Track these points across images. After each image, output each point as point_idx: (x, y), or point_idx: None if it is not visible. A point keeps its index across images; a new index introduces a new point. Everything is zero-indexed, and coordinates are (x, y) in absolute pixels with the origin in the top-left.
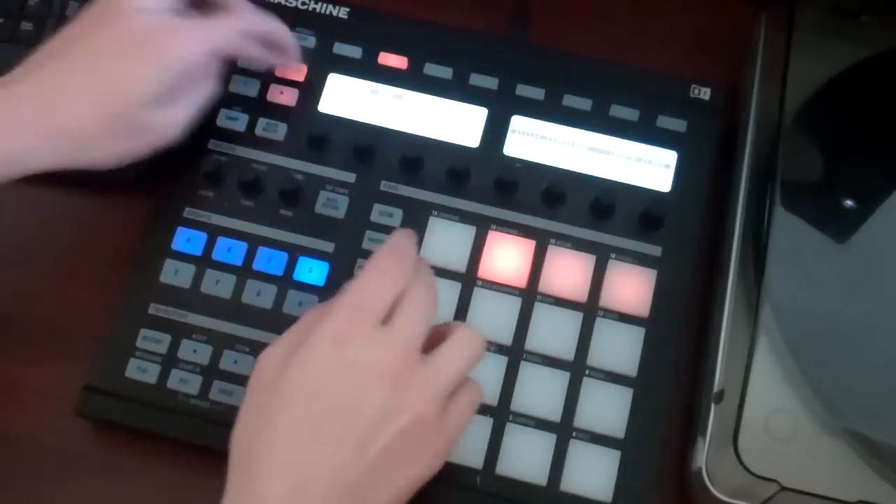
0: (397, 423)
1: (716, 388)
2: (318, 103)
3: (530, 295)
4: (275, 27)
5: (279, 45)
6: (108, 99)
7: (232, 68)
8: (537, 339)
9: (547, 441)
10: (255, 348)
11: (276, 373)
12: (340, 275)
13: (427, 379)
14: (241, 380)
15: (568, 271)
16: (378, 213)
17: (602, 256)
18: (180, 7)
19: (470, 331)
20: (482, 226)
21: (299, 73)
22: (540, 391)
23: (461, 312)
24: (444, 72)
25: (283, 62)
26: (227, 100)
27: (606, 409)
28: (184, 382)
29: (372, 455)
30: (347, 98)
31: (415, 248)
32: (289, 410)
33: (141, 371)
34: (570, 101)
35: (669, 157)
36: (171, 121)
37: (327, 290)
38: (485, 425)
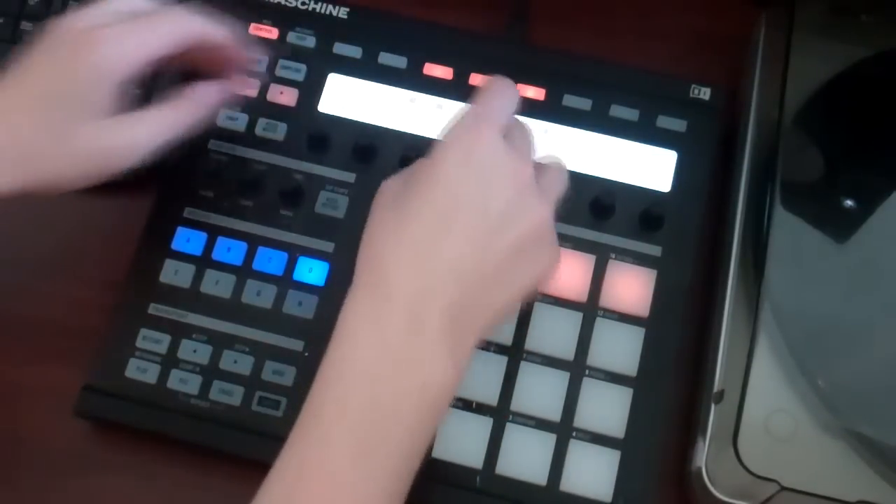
0: (518, 227)
1: (716, 388)
2: (318, 103)
3: None
4: (216, 33)
5: (225, 56)
6: (49, 108)
7: None
8: (537, 339)
9: (547, 441)
10: (255, 348)
11: (402, 185)
12: (340, 275)
13: (545, 189)
14: (241, 380)
15: (568, 271)
16: None
17: (602, 256)
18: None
19: (560, 161)
20: None
21: (251, 88)
22: (540, 391)
23: None
24: (444, 72)
25: (228, 74)
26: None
27: (606, 409)
28: (184, 382)
29: (494, 254)
30: (347, 98)
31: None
32: (419, 204)
33: (141, 371)
34: (570, 101)
35: (669, 157)
36: (129, 141)
37: (327, 290)
38: (485, 425)
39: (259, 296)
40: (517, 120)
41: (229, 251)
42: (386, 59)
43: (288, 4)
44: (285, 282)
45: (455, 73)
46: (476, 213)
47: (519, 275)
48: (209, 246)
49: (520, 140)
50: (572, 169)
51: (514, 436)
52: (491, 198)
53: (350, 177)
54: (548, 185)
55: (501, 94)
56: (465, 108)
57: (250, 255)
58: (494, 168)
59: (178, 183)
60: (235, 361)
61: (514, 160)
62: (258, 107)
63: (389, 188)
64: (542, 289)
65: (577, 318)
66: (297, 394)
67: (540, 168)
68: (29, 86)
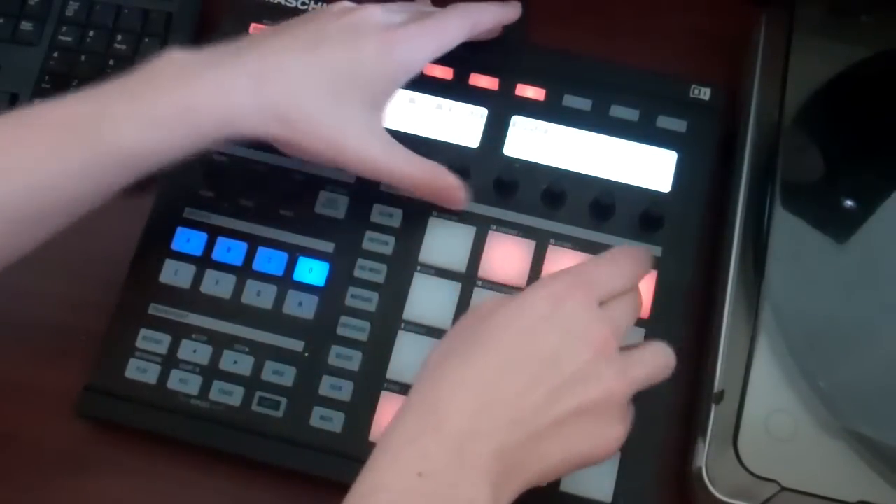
0: (587, 390)
1: (716, 388)
2: None
3: None
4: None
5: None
6: (342, 82)
7: None
8: None
9: None
10: (255, 348)
11: (490, 313)
12: (340, 275)
13: (626, 364)
14: (242, 380)
15: None
16: (378, 213)
17: None
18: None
19: (667, 348)
20: (482, 226)
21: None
22: None
23: (461, 313)
24: (445, 72)
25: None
26: None
27: None
28: (184, 382)
29: (556, 410)
30: None
31: (649, 265)
32: (491, 343)
33: (141, 371)
34: (570, 101)
35: (669, 158)
36: (395, 167)
37: (327, 290)
38: None
39: (259, 296)
40: (629, 293)
41: (229, 251)
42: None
43: (288, 4)
44: (285, 282)
45: (455, 73)
46: (548, 364)
47: (578, 437)
48: (209, 246)
49: (618, 312)
50: (573, 169)
51: None
52: (567, 354)
53: (350, 177)
54: (636, 363)
55: (616, 264)
56: (574, 266)
57: (250, 255)
58: (579, 328)
59: (178, 183)
60: (235, 361)
61: (602, 328)
62: None
63: (483, 307)
64: (598, 461)
65: None
66: (297, 394)
67: (640, 347)
68: (323, 58)
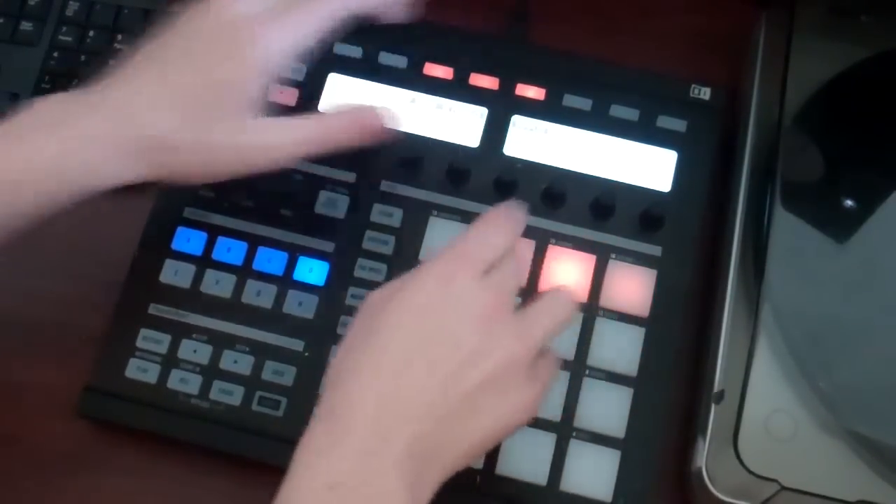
0: (486, 364)
1: (716, 388)
2: (318, 103)
3: (530, 295)
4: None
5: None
6: (195, 101)
7: None
8: None
9: (547, 441)
10: (255, 348)
11: (380, 305)
12: (340, 275)
13: (519, 326)
14: (241, 380)
15: (568, 271)
16: (378, 213)
17: (602, 256)
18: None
19: (562, 294)
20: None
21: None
22: None
23: None
24: (444, 72)
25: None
26: None
27: (606, 409)
28: (184, 382)
29: (462, 388)
30: (347, 98)
31: (524, 218)
32: (388, 335)
33: (141, 371)
34: (570, 101)
35: (669, 157)
36: (267, 143)
37: (327, 290)
38: None
39: (259, 296)
40: (507, 255)
41: (229, 251)
42: (386, 58)
43: None
44: (285, 282)
45: (455, 73)
46: (445, 345)
47: (490, 409)
48: (209, 246)
49: (500, 276)
50: (573, 169)
51: (515, 436)
52: (462, 331)
53: (350, 177)
54: (533, 320)
55: (489, 231)
56: (451, 242)
57: (250, 255)
58: (468, 303)
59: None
60: (235, 361)
61: (490, 296)
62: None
63: (374, 300)
64: (519, 427)
65: (577, 317)
66: (297, 394)
67: (535, 302)
68: (177, 74)
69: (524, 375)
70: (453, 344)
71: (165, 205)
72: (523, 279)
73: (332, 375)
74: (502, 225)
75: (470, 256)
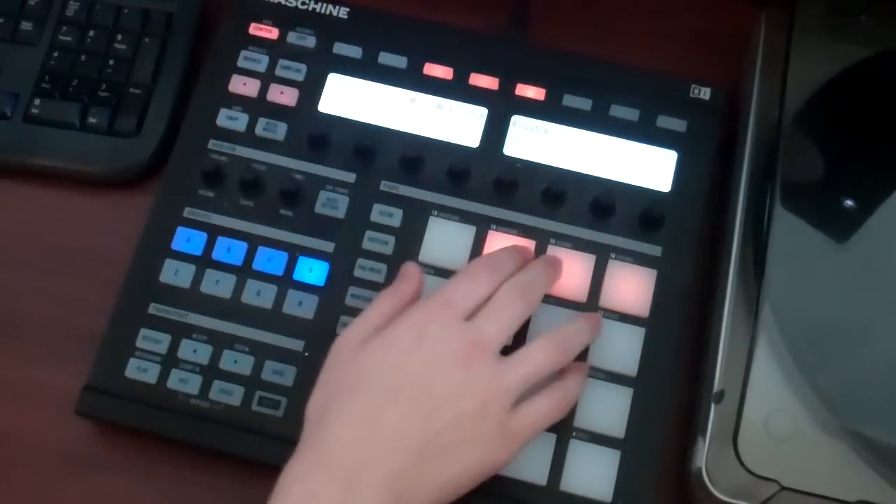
0: (461, 405)
1: (716, 388)
2: (318, 103)
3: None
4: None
5: None
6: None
7: (231, 67)
8: None
9: (547, 441)
10: (255, 348)
11: (356, 349)
12: (340, 275)
13: (498, 373)
14: (241, 380)
15: (568, 271)
16: (378, 213)
17: (602, 256)
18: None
19: (553, 340)
20: (482, 226)
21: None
22: None
23: None
24: (444, 72)
25: None
26: (227, 99)
27: (606, 409)
28: (184, 382)
29: (435, 429)
30: (347, 98)
31: (513, 266)
32: (366, 381)
33: (141, 371)
34: (570, 101)
35: (669, 157)
36: None
37: (327, 290)
38: None
39: (259, 296)
40: (491, 301)
41: (229, 251)
42: (386, 59)
43: (288, 4)
44: (285, 282)
45: (455, 73)
46: (421, 388)
47: (462, 452)
48: (209, 246)
49: (482, 320)
50: (573, 169)
51: None
52: (437, 375)
53: (350, 177)
54: (514, 366)
55: (472, 278)
56: (434, 291)
57: (250, 255)
58: (444, 348)
59: (178, 183)
60: (235, 361)
61: (466, 341)
62: (258, 107)
63: (347, 344)
64: (495, 471)
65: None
66: (297, 394)
67: (526, 347)
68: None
69: (494, 420)
70: (429, 387)
71: (165, 205)
72: (517, 322)
73: (312, 418)
74: (482, 275)
75: (447, 302)
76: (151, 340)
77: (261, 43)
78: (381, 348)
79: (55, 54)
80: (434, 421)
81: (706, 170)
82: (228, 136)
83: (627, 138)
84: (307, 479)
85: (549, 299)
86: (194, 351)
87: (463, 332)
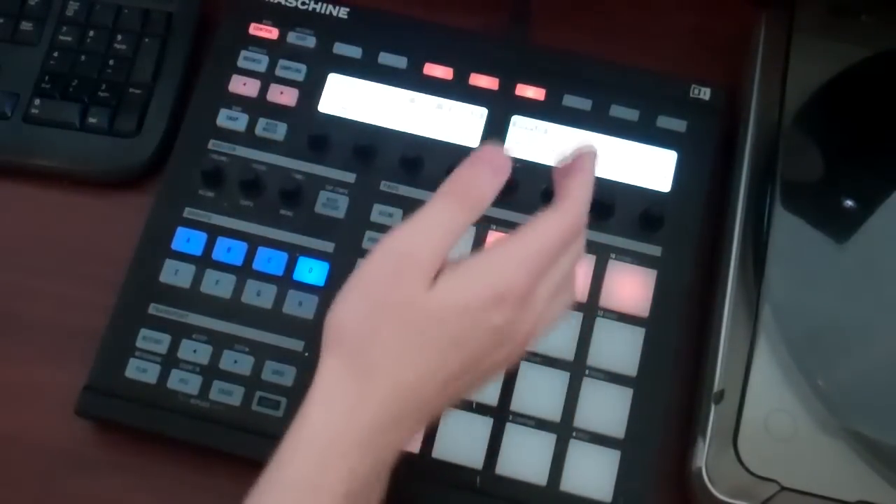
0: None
1: (716, 388)
2: (318, 103)
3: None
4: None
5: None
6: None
7: (231, 67)
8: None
9: (547, 441)
10: (255, 348)
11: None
12: (340, 275)
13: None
14: (241, 380)
15: None
16: (378, 213)
17: (602, 256)
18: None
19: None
20: (482, 226)
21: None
22: (540, 391)
23: None
24: (444, 72)
25: None
26: (227, 100)
27: (606, 409)
28: (184, 382)
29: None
30: (347, 98)
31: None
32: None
33: (141, 371)
34: (570, 101)
35: (669, 157)
36: None
37: (327, 290)
38: (485, 425)
39: (259, 296)
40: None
41: (229, 251)
42: (386, 59)
43: (288, 4)
44: (285, 282)
45: (455, 73)
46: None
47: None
48: (209, 246)
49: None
50: None
51: (514, 436)
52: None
53: (350, 177)
54: (535, 229)
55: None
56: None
57: (250, 255)
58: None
59: (178, 183)
60: (235, 361)
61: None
62: (258, 107)
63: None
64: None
65: (577, 318)
66: (298, 394)
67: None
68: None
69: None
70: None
71: (165, 205)
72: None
73: (350, 340)
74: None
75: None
76: (151, 340)
77: (261, 43)
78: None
79: (55, 54)
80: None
81: (706, 170)
82: (228, 136)
83: (627, 138)
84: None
85: None
86: (194, 351)
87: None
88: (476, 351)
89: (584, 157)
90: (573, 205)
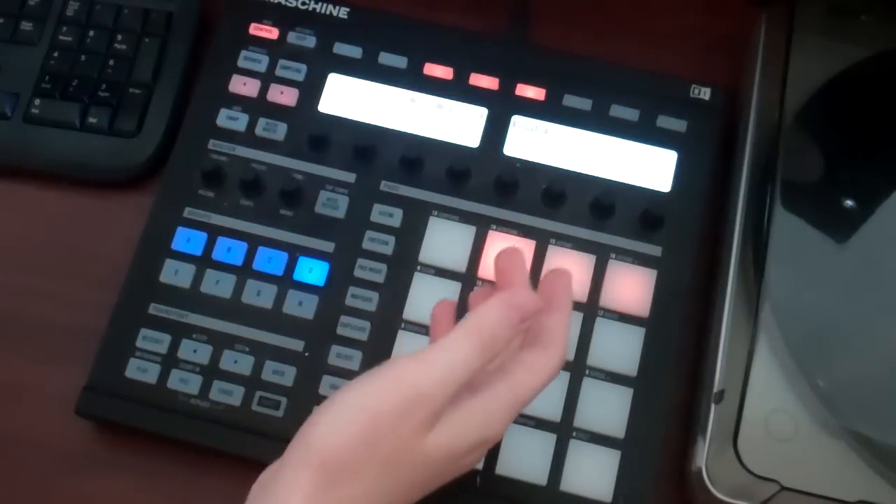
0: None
1: (716, 388)
2: (318, 103)
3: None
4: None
5: None
6: None
7: (231, 67)
8: None
9: (547, 441)
10: (255, 348)
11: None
12: (340, 275)
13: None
14: (241, 380)
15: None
16: (378, 213)
17: (602, 256)
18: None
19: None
20: (482, 226)
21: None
22: None
23: (461, 312)
24: (444, 72)
25: None
26: (227, 100)
27: (606, 409)
28: (184, 382)
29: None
30: (347, 98)
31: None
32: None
33: (141, 371)
34: (570, 101)
35: (669, 157)
36: None
37: (327, 290)
38: None
39: (259, 296)
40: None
41: (229, 251)
42: (386, 59)
43: (288, 4)
44: (285, 282)
45: (455, 73)
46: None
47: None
48: (209, 246)
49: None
50: (573, 169)
51: (515, 436)
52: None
53: (350, 177)
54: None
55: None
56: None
57: (250, 255)
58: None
59: (178, 183)
60: (235, 361)
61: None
62: (258, 107)
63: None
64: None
65: (577, 318)
66: (297, 394)
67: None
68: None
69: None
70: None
71: (165, 205)
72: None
73: (335, 466)
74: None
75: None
76: (151, 340)
77: (261, 43)
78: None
79: (55, 54)
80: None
81: (706, 170)
82: (228, 136)
83: (627, 138)
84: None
85: None
86: (194, 351)
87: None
88: (442, 481)
89: (561, 294)
90: (560, 349)
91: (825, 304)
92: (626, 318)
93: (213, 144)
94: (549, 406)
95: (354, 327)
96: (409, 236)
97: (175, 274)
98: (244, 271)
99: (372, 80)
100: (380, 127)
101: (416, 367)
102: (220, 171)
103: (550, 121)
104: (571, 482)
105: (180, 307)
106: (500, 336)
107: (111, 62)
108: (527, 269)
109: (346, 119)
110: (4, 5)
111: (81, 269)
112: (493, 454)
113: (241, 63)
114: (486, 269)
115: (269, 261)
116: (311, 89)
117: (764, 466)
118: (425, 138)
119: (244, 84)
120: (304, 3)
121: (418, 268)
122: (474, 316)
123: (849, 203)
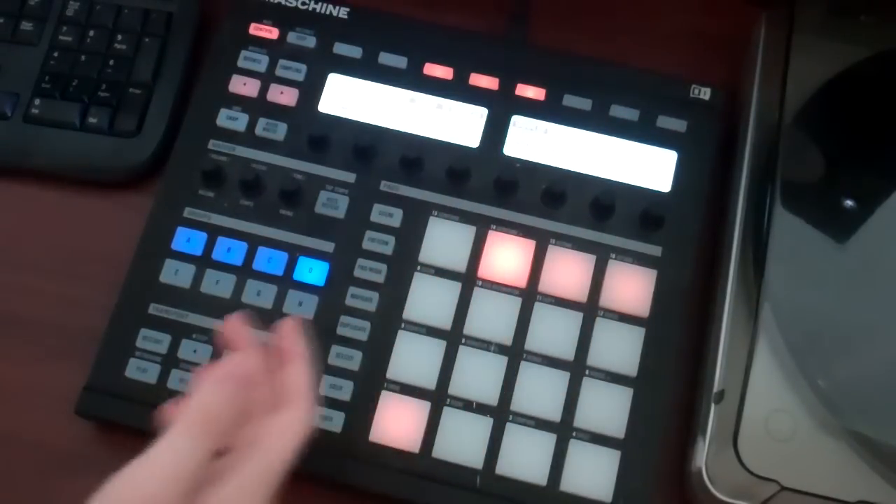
0: None
1: (716, 388)
2: (318, 103)
3: (530, 295)
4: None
5: None
6: None
7: (231, 67)
8: (537, 339)
9: (547, 441)
10: None
11: None
12: (340, 275)
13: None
14: None
15: (568, 271)
16: (378, 213)
17: (602, 256)
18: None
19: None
20: (482, 226)
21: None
22: (540, 391)
23: (461, 313)
24: (444, 72)
25: None
26: (227, 100)
27: (606, 409)
28: (184, 382)
29: None
30: (347, 98)
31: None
32: None
33: (141, 371)
34: (570, 101)
35: (669, 157)
36: None
37: (327, 290)
38: (485, 425)
39: (259, 296)
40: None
41: (229, 251)
42: (386, 59)
43: (288, 4)
44: (285, 282)
45: (455, 73)
46: None
47: None
48: (209, 246)
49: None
50: (573, 169)
51: (514, 436)
52: None
53: (350, 177)
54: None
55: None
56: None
57: (250, 255)
58: None
59: (178, 183)
60: None
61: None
62: (258, 107)
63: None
64: None
65: (577, 318)
66: None
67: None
68: None
69: None
70: None
71: (165, 205)
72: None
73: None
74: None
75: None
76: (151, 340)
77: (261, 43)
78: None
79: (55, 54)
80: None
81: (706, 170)
82: (228, 136)
83: (627, 138)
84: None
85: (550, 299)
86: (194, 351)
87: None
88: None
89: (293, 344)
90: (304, 401)
91: (825, 304)
92: (626, 318)
93: (213, 144)
94: (549, 406)
95: (354, 327)
96: (409, 236)
97: (175, 274)
98: (244, 271)
99: (372, 80)
100: (380, 127)
101: (142, 471)
102: (220, 171)
103: (550, 121)
104: (571, 482)
105: (180, 307)
106: (222, 415)
107: (111, 62)
108: (251, 332)
109: (345, 119)
110: (4, 5)
111: (81, 269)
112: (493, 454)
113: (241, 63)
114: (487, 269)
115: (269, 261)
116: (311, 89)
117: (764, 466)
118: (425, 138)
119: (244, 84)
120: (304, 3)
121: (418, 268)
122: (192, 403)
123: (849, 203)
